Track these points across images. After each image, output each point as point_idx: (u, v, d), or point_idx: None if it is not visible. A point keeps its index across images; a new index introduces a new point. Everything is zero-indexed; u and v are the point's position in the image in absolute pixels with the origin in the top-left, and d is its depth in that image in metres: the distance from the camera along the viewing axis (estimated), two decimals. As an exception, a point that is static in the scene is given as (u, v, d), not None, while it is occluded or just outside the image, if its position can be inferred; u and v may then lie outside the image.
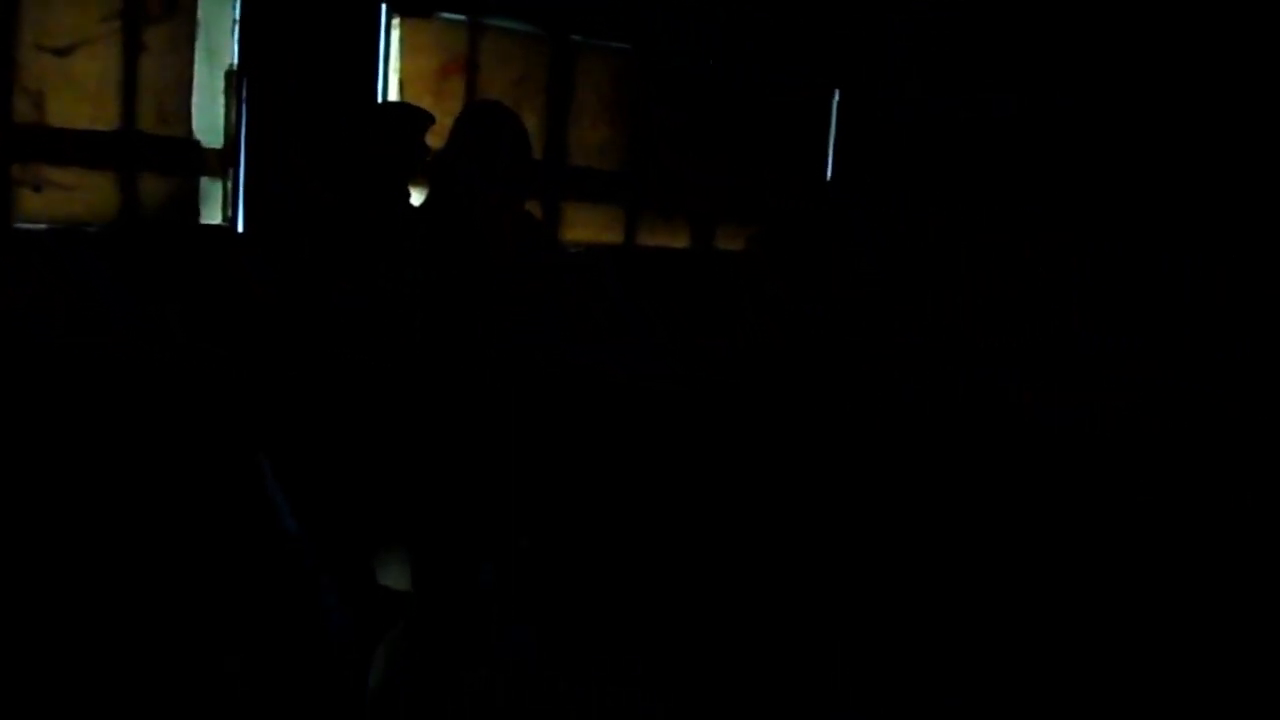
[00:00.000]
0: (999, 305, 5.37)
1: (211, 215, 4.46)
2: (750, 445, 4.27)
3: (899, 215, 5.70)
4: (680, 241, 5.72)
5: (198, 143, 4.36)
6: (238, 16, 4.30)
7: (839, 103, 5.83)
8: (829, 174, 5.97)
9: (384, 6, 4.63)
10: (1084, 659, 2.73)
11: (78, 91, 4.06)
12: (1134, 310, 4.93)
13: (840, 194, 5.80)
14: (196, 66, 4.31)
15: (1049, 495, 3.81)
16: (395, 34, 4.70)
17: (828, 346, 4.74)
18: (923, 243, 5.63)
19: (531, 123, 4.97)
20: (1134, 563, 3.20)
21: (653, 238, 5.59)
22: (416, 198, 3.55)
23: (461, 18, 4.85)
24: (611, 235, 5.51)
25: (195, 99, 4.33)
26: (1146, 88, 5.13)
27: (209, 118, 4.35)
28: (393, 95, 4.69)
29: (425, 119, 3.27)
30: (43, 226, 4.05)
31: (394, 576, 3.07)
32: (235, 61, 4.34)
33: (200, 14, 4.26)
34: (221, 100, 4.37)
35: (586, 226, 5.41)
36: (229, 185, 4.45)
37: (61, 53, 4.02)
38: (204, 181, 4.44)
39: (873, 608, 2.99)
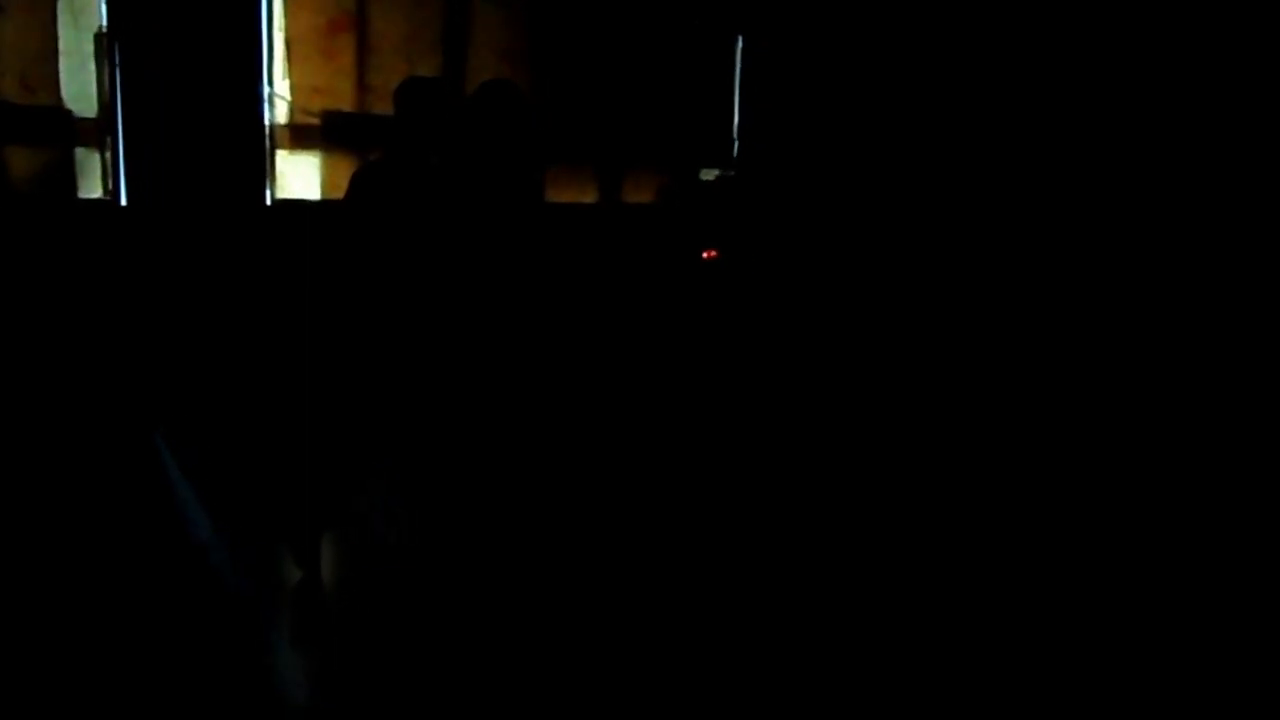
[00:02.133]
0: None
1: (90, 188, 4.22)
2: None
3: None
4: (588, 195, 5.64)
5: (69, 112, 4.11)
6: (102, -26, 4.04)
7: (743, 50, 5.77)
8: (736, 122, 5.93)
9: (263, -41, 4.39)
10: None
11: (-71, 61, 3.78)
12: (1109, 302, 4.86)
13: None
14: (61, 29, 4.03)
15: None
16: (277, -11, 4.47)
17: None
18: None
19: (428, 80, 4.83)
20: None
21: (560, 193, 5.49)
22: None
23: (348, -31, 4.63)
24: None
25: (62, 65, 4.06)
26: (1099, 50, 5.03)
27: (79, 85, 4.09)
28: (278, 55, 4.46)
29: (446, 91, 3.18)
30: (-98, 209, 3.80)
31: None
32: (103, 23, 4.08)
33: (60, -28, 3.99)
34: (92, 65, 4.11)
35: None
36: (107, 156, 4.21)
37: (-93, 18, 3.72)
38: (79, 153, 4.19)
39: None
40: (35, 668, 2.28)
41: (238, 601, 2.70)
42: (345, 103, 4.64)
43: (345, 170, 4.71)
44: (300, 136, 4.58)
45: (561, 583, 2.88)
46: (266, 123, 4.46)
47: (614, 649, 2.50)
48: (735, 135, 5.99)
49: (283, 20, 4.47)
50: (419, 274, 2.81)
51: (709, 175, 5.88)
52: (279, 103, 4.50)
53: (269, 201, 4.53)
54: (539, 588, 2.83)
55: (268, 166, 4.50)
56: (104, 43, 4.10)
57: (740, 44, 5.82)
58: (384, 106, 4.73)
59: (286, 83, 4.51)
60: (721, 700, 2.29)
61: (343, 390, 2.96)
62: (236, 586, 2.80)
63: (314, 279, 4.44)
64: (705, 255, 5.62)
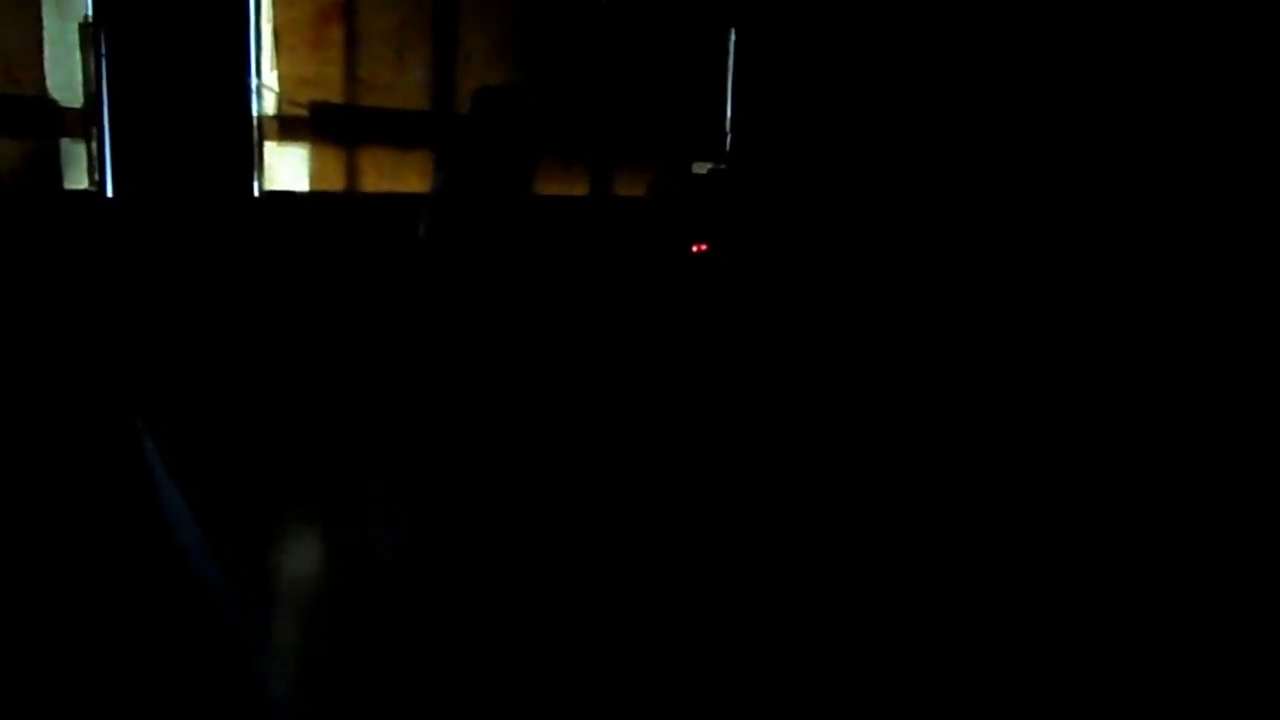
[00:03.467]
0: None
1: (77, 180, 4.18)
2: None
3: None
4: (579, 188, 5.62)
5: (54, 102, 4.07)
6: (87, -37, 3.99)
7: (735, 43, 5.75)
8: (728, 115, 5.91)
9: (252, -51, 4.35)
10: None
11: (-88, 50, 3.74)
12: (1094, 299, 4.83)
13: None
14: (45, 19, 3.99)
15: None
16: (265, -21, 4.43)
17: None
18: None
19: (417, 72, 4.80)
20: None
21: (551, 185, 5.47)
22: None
23: (337, -41, 4.59)
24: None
25: (47, 54, 4.01)
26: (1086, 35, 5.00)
27: (64, 75, 4.05)
28: (266, 46, 4.42)
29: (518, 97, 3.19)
30: (-115, 200, 3.75)
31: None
32: (89, 12, 4.03)
33: (44, -39, 3.95)
34: (77, 55, 4.06)
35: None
36: (93, 147, 4.17)
37: (-111, 7, 3.68)
38: (65, 144, 4.15)
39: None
40: (8, 660, 2.26)
41: (217, 594, 2.68)
42: (334, 94, 4.61)
43: (334, 162, 4.70)
44: (289, 128, 4.54)
45: (559, 581, 2.86)
46: (254, 114, 4.43)
47: (615, 648, 2.49)
48: (727, 129, 5.97)
49: (270, 10, 4.43)
50: (428, 271, 2.83)
51: (701, 169, 5.87)
52: (267, 94, 4.46)
53: (257, 193, 4.49)
54: (538, 586, 2.81)
55: (256, 158, 4.46)
56: (89, 32, 4.05)
57: (733, 37, 5.81)
58: (373, 98, 4.71)
59: (274, 74, 4.48)
60: (722, 699, 2.28)
61: (348, 381, 2.95)
62: (216, 578, 2.78)
63: (302, 271, 4.43)
64: (695, 249, 5.61)
